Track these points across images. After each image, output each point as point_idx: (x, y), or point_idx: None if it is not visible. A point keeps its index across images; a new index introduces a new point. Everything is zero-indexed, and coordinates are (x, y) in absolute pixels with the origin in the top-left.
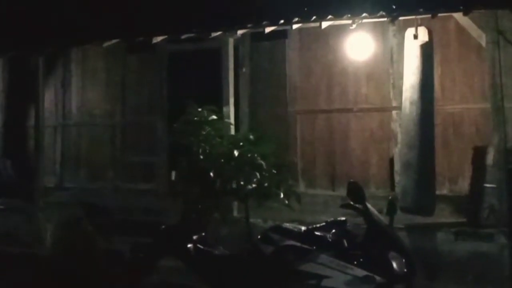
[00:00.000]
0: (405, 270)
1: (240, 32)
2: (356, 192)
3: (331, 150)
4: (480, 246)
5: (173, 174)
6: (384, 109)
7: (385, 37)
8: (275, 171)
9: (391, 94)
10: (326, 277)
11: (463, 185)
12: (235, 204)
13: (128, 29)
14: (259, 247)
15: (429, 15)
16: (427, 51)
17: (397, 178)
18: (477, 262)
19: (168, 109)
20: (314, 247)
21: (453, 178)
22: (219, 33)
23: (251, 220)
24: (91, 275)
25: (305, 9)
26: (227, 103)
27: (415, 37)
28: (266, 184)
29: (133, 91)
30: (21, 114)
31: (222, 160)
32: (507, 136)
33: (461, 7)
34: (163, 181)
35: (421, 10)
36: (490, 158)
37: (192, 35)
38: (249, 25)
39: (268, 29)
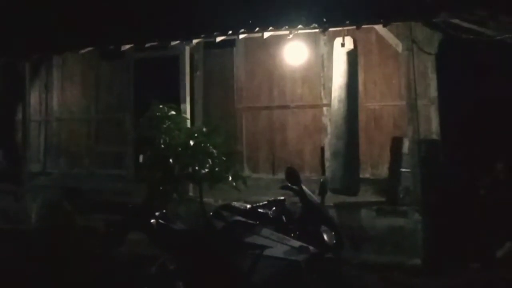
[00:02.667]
0: (334, 241)
1: (195, 41)
2: (293, 176)
3: (271, 140)
4: (397, 221)
5: (141, 157)
6: (316, 106)
7: (317, 46)
8: (224, 158)
9: (322, 93)
10: (268, 247)
11: (383, 170)
12: (191, 186)
13: (101, 39)
14: (211, 222)
15: (354, 27)
16: (352, 57)
17: (327, 164)
18: (394, 235)
19: (135, 106)
20: (258, 222)
21: (375, 164)
22: (177, 42)
23: (204, 199)
24: (71, 246)
25: (250, 21)
26: (184, 101)
27: (342, 45)
28: (217, 169)
29: (105, 91)
30: (10, 110)
31: (180, 149)
32: (419, 128)
33: (381, 20)
34: (130, 167)
35: (347, 22)
36: (405, 147)
37: (155, 43)
38: (202, 35)
39: (218, 39)
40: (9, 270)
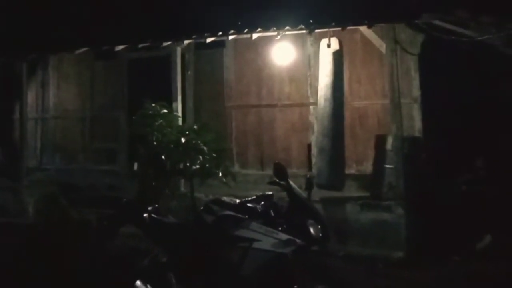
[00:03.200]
0: (321, 234)
1: (186, 42)
2: (280, 172)
3: (260, 138)
4: (381, 216)
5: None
6: (303, 105)
7: (304, 46)
8: (214, 155)
9: (309, 92)
10: (257, 240)
11: (367, 166)
12: (182, 181)
13: (95, 40)
14: (202, 216)
15: (340, 28)
16: (338, 57)
17: (313, 160)
18: (378, 228)
19: (128, 105)
20: (247, 216)
21: (359, 160)
22: (169, 42)
23: (195, 194)
24: (66, 239)
25: (239, 23)
26: (176, 100)
27: (328, 46)
28: (207, 165)
29: (99, 91)
30: (8, 109)
31: (172, 146)
32: (402, 126)
33: (366, 22)
34: (124, 163)
35: (333, 24)
36: (389, 144)
37: (147, 44)
38: (193, 36)
39: (209, 40)
40: (6, 262)
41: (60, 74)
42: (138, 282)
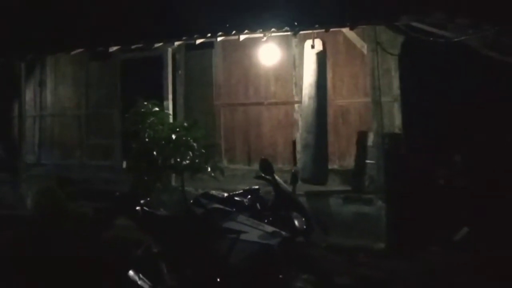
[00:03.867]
0: (305, 226)
1: (176, 43)
2: (266, 167)
3: (247, 134)
4: (362, 208)
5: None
6: (288, 103)
7: (289, 47)
8: (204, 151)
9: (294, 91)
10: (244, 232)
11: (350, 161)
12: (173, 176)
13: (90, 41)
14: (192, 209)
15: (323, 30)
16: (321, 58)
17: (298, 156)
18: (360, 220)
19: (122, 103)
20: (234, 209)
21: (342, 156)
22: (160, 44)
23: (186, 188)
24: (63, 231)
25: (227, 25)
26: (167, 98)
27: (312, 47)
28: (197, 161)
29: (94, 89)
30: (7, 107)
31: (163, 142)
32: (383, 123)
33: (348, 24)
34: (118, 159)
35: (317, 26)
36: (370, 140)
37: (140, 45)
38: (183, 38)
39: (198, 41)
40: (5, 253)
41: (57, 74)
42: (131, 272)
